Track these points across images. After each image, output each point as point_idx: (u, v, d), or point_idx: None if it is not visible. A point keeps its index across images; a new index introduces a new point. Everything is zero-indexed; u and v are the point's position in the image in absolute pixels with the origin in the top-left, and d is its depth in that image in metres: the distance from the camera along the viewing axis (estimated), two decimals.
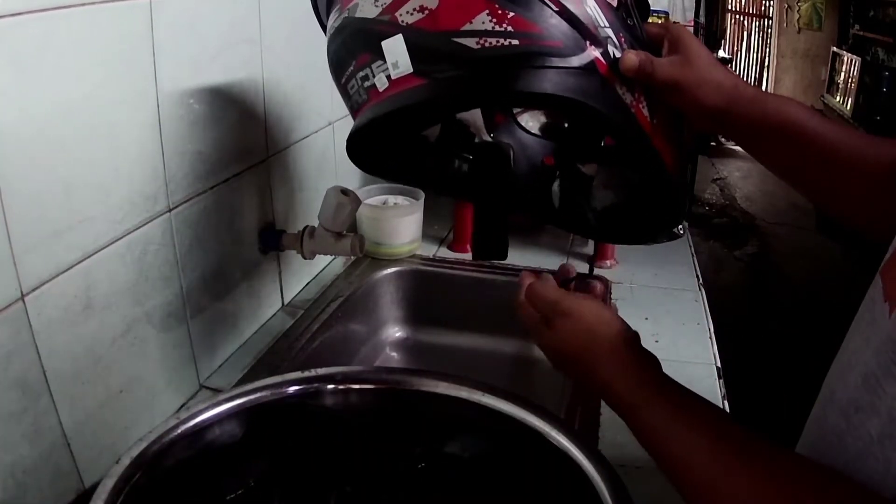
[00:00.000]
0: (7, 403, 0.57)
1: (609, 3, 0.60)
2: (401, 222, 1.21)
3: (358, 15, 0.60)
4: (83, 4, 0.61)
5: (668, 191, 0.65)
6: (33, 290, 0.59)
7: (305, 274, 1.13)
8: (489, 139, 0.73)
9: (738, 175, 5.63)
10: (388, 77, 0.58)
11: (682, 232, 0.71)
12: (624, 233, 0.74)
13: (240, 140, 0.90)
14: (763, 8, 7.11)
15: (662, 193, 0.66)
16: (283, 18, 0.94)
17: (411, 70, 0.57)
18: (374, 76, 0.59)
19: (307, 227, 0.99)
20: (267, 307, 1.02)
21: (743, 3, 7.22)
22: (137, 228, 0.71)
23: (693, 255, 1.32)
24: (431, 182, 0.76)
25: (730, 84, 0.61)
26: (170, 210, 0.76)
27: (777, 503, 0.43)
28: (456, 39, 0.55)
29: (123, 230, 0.69)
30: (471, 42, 0.55)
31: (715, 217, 4.77)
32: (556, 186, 0.72)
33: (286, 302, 1.07)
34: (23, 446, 0.59)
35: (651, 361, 0.57)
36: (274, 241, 0.98)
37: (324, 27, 0.71)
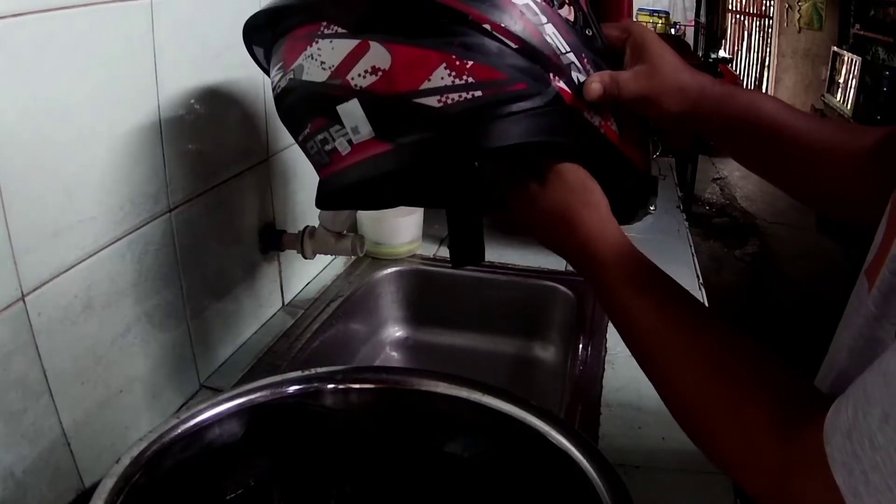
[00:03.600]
0: (7, 403, 0.57)
1: (567, 21, 0.57)
2: (401, 222, 1.21)
3: (305, 78, 0.56)
4: (84, 5, 0.61)
5: (639, 185, 0.64)
6: (33, 290, 0.59)
7: (306, 274, 1.13)
8: None
9: (738, 175, 5.63)
10: (350, 141, 0.55)
11: (653, 209, 0.71)
12: None
13: (240, 140, 0.90)
14: (763, 8, 7.10)
15: (632, 186, 0.65)
16: None
17: (373, 135, 0.54)
18: (334, 140, 0.56)
19: (307, 227, 0.99)
20: (267, 307, 1.02)
21: (743, 2, 7.21)
22: (138, 228, 0.71)
23: (693, 255, 1.32)
24: (400, 199, 0.72)
25: (695, 87, 0.60)
26: (170, 210, 0.76)
27: (727, 396, 0.44)
28: (416, 100, 0.52)
29: (124, 230, 0.69)
30: (432, 101, 0.52)
31: (715, 217, 4.77)
32: None
33: (286, 302, 1.07)
34: (23, 446, 0.59)
35: (626, 240, 0.57)
36: (274, 241, 0.98)
37: (264, 70, 0.68)
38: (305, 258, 1.00)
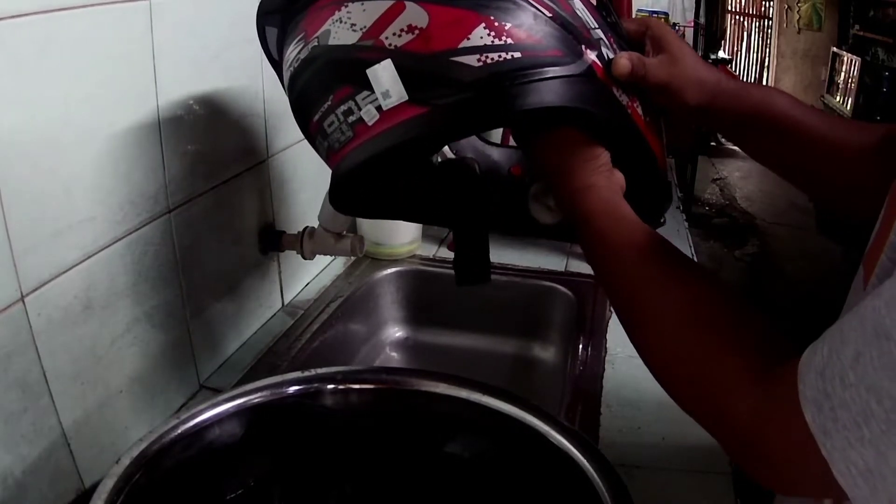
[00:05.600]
0: (7, 403, 0.57)
1: (591, 3, 0.58)
2: (400, 223, 1.21)
3: (332, 42, 0.54)
4: (84, 6, 0.61)
5: (657, 185, 0.64)
6: (33, 290, 0.59)
7: (305, 274, 1.13)
8: (452, 157, 0.70)
9: (738, 175, 5.63)
10: (379, 108, 0.53)
11: (663, 222, 0.71)
12: None
13: (240, 141, 0.90)
14: (763, 8, 7.10)
15: (650, 187, 0.65)
16: None
17: (406, 98, 0.52)
18: (359, 109, 0.53)
19: (307, 227, 0.99)
20: (267, 307, 1.02)
21: (743, 3, 7.21)
22: (137, 229, 0.71)
23: (693, 255, 1.32)
24: (407, 212, 0.71)
25: (713, 81, 0.62)
26: (170, 210, 0.76)
27: (705, 342, 0.45)
28: (455, 59, 0.51)
29: (123, 230, 0.69)
30: (471, 60, 0.51)
31: (715, 217, 4.77)
32: (531, 195, 0.68)
33: (286, 302, 1.07)
34: (23, 446, 0.59)
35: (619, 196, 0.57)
36: (274, 241, 0.98)
37: (273, 62, 0.66)
38: (305, 259, 1.00)
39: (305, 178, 1.07)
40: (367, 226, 1.21)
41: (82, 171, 0.63)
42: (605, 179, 0.57)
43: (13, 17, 0.54)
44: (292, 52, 0.59)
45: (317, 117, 0.57)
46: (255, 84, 0.91)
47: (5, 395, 0.57)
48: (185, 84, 0.77)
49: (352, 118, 0.54)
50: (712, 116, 0.62)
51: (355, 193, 0.62)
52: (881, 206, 0.46)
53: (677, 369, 0.47)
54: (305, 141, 1.11)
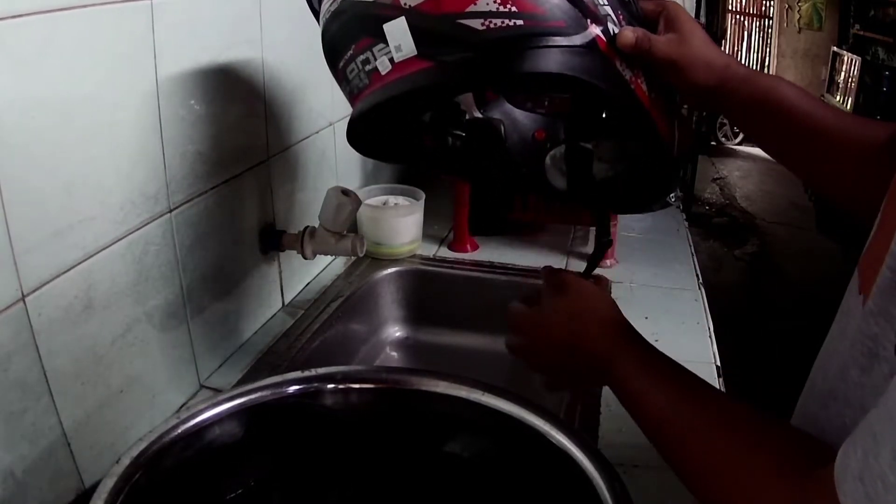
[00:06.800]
0: (7, 403, 0.57)
1: None
2: (401, 222, 1.21)
3: None
4: (84, 6, 0.61)
5: (664, 161, 0.66)
6: (34, 290, 0.59)
7: (306, 274, 1.13)
8: (480, 116, 0.74)
9: (738, 174, 5.63)
10: (391, 60, 0.58)
11: (673, 200, 0.73)
12: (619, 202, 0.75)
13: (240, 140, 0.90)
14: (763, 8, 7.10)
15: (658, 163, 0.67)
16: (283, 18, 0.94)
17: (415, 53, 0.57)
18: (375, 59, 0.59)
19: (307, 227, 0.99)
20: (267, 307, 1.02)
21: (743, 3, 7.21)
22: (138, 228, 0.71)
23: (693, 255, 1.32)
24: (428, 161, 0.76)
25: (721, 63, 0.62)
26: (170, 210, 0.76)
27: (735, 452, 0.46)
28: (461, 21, 0.56)
29: (124, 230, 0.69)
30: (476, 23, 0.56)
31: (715, 216, 4.78)
32: (548, 160, 0.73)
33: (286, 302, 1.08)
34: (23, 446, 0.59)
35: (633, 332, 0.60)
36: (274, 241, 0.98)
37: (315, 13, 0.71)
38: (305, 258, 1.00)
39: (306, 178, 1.07)
40: (368, 226, 1.21)
41: (82, 170, 0.63)
42: (609, 327, 0.60)
43: (13, 17, 0.54)
44: (325, 4, 0.65)
45: (341, 65, 0.63)
46: (256, 83, 0.91)
47: (5, 395, 0.57)
48: (185, 84, 0.77)
49: (368, 67, 0.60)
50: (721, 99, 0.63)
51: (374, 136, 0.67)
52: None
53: (715, 481, 0.47)
54: (306, 140, 1.12)
